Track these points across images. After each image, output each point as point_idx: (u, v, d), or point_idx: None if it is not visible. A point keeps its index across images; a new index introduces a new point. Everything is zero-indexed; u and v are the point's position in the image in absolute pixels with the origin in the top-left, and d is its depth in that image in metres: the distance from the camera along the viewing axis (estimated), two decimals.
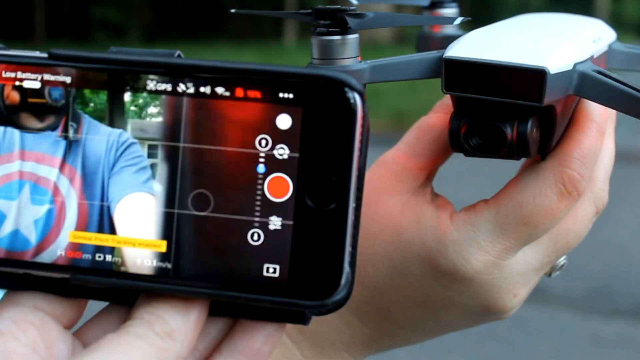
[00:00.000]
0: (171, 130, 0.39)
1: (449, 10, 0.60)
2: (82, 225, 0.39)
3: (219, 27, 12.96)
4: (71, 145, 0.39)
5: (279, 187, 0.38)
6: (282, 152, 0.38)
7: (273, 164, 0.38)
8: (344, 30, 0.48)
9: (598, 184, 0.54)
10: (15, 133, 0.40)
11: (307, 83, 0.37)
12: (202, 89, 0.38)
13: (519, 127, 0.48)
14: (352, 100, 0.37)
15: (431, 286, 0.53)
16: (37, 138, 0.40)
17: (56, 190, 0.39)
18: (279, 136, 0.38)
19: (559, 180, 0.50)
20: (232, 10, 0.55)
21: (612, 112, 0.55)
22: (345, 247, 0.37)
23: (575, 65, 0.48)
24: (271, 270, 0.38)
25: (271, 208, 0.38)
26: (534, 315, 3.04)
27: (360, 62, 0.49)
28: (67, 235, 0.39)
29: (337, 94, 0.37)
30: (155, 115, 0.39)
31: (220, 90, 0.38)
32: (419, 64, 0.49)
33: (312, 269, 0.38)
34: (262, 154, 0.38)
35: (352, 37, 0.48)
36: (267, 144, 0.38)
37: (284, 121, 0.38)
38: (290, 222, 0.38)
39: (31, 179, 0.40)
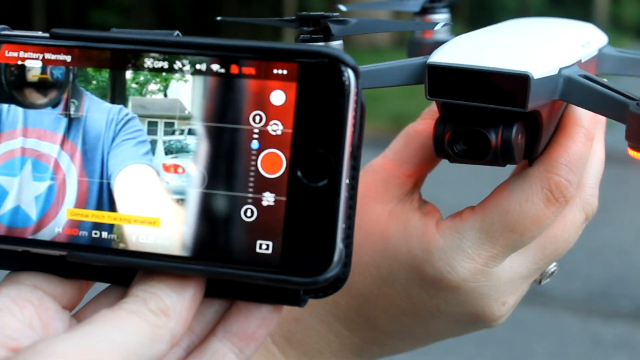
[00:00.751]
0: (168, 106, 0.39)
1: (440, 16, 0.60)
2: (81, 202, 0.40)
3: (219, 32, 12.96)
4: (72, 122, 0.40)
5: (272, 163, 0.38)
6: (276, 127, 0.38)
7: (267, 139, 0.38)
8: (327, 36, 0.47)
9: (587, 190, 0.53)
10: (18, 110, 0.40)
11: (301, 59, 0.38)
12: (198, 67, 0.39)
13: (503, 133, 0.47)
14: (345, 76, 0.37)
15: (418, 294, 0.52)
16: (40, 115, 0.40)
17: (57, 166, 0.40)
18: (273, 112, 0.38)
19: (545, 187, 0.50)
20: (218, 18, 0.54)
21: (601, 118, 0.54)
22: (338, 224, 0.37)
23: (560, 69, 0.47)
24: (264, 246, 0.38)
25: (264, 184, 0.38)
26: (534, 318, 3.04)
27: None
28: (65, 213, 0.40)
29: (331, 69, 0.37)
30: (153, 92, 0.39)
31: (215, 67, 0.38)
32: (404, 70, 0.49)
33: (305, 246, 0.37)
34: (256, 130, 0.38)
35: (336, 44, 0.48)
36: (260, 120, 0.38)
37: (277, 97, 0.38)
38: (284, 198, 0.38)
39: (33, 155, 0.40)
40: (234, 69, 0.38)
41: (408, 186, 0.53)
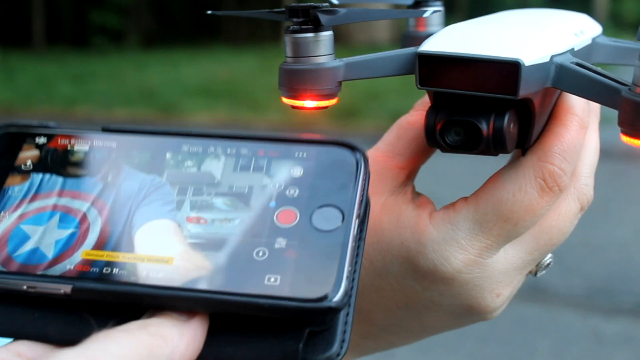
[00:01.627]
0: (199, 176, 0.44)
1: (434, 9, 0.59)
2: (99, 245, 0.42)
3: (218, 31, 12.95)
4: (107, 186, 0.44)
5: (287, 217, 0.42)
6: (293, 192, 0.43)
7: (284, 200, 0.43)
8: (317, 27, 0.47)
9: (582, 180, 0.53)
10: (59, 179, 0.45)
11: (319, 146, 0.44)
12: (229, 151, 0.45)
13: (495, 121, 0.47)
14: (356, 160, 0.43)
15: (411, 287, 0.52)
16: (78, 181, 0.45)
17: (84, 218, 0.43)
18: (292, 181, 0.43)
19: (539, 176, 0.49)
20: (209, 12, 0.54)
21: (595, 107, 0.54)
22: (345, 263, 0.40)
23: (552, 57, 0.47)
24: (272, 279, 0.40)
25: (278, 232, 0.42)
26: (534, 314, 3.03)
27: (335, 59, 0.48)
28: (81, 253, 0.42)
29: (345, 154, 0.43)
30: (187, 167, 0.45)
31: (244, 151, 0.44)
32: (394, 61, 0.49)
33: (311, 279, 0.40)
34: (275, 193, 0.43)
35: (326, 35, 0.47)
36: (280, 187, 0.43)
37: (297, 171, 0.43)
38: (296, 242, 0.41)
39: (62, 210, 0.44)
40: (261, 152, 0.44)
41: (401, 178, 0.53)
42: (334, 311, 0.39)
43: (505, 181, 0.50)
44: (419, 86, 0.47)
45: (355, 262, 0.42)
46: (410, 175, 0.54)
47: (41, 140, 0.46)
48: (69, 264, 0.42)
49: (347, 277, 0.40)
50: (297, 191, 0.43)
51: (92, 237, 0.43)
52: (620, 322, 3.03)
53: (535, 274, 0.55)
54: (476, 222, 0.50)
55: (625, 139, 0.44)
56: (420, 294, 0.52)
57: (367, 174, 0.43)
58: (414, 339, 0.56)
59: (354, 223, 0.41)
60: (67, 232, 0.43)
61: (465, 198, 0.51)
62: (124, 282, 0.41)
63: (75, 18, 12.53)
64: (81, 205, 0.44)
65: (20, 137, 0.47)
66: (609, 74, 0.46)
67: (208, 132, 0.45)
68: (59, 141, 0.46)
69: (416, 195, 0.53)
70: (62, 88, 8.11)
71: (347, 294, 0.39)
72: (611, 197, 4.10)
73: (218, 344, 0.40)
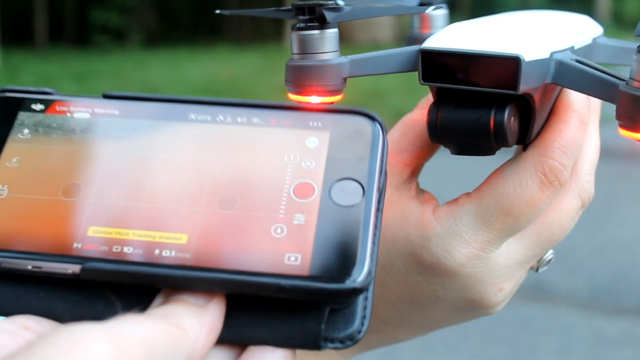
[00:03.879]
0: (207, 148, 0.42)
1: (438, 11, 0.60)
2: (107, 221, 0.40)
3: (220, 30, 12.97)
4: (111, 157, 0.42)
5: (304, 191, 0.41)
6: (309, 164, 0.41)
7: (300, 172, 0.41)
8: (323, 24, 0.48)
9: (583, 177, 0.53)
10: (60, 148, 0.43)
11: (335, 115, 0.42)
12: (239, 119, 0.43)
13: (496, 116, 0.47)
14: (373, 130, 0.42)
15: (415, 281, 0.52)
16: (80, 151, 0.43)
17: (88, 191, 0.41)
18: (307, 152, 0.42)
19: (539, 170, 0.50)
20: (217, 11, 0.55)
21: (596, 106, 0.55)
22: (368, 241, 0.39)
23: (552, 53, 0.48)
24: (292, 258, 0.39)
25: (296, 207, 0.40)
26: (538, 314, 3.03)
27: (340, 56, 0.49)
28: (88, 230, 0.40)
29: (362, 123, 0.42)
30: (194, 140, 0.42)
31: (255, 120, 0.43)
32: (398, 58, 0.49)
33: (333, 258, 0.38)
34: (290, 165, 0.41)
35: (331, 32, 0.48)
36: (295, 158, 0.41)
37: (312, 142, 0.42)
38: (315, 218, 0.40)
39: (66, 182, 0.41)
40: (273, 122, 0.43)
41: (405, 174, 0.54)
42: (358, 291, 0.38)
43: (506, 176, 0.51)
44: (421, 82, 0.48)
45: (375, 236, 0.40)
46: (414, 171, 0.54)
47: (39, 106, 0.44)
48: (77, 242, 0.40)
49: (370, 255, 0.39)
50: (314, 163, 0.41)
51: (98, 213, 0.40)
52: (623, 322, 3.03)
53: (537, 269, 0.55)
54: (478, 217, 0.50)
55: (623, 132, 0.45)
56: (424, 288, 0.52)
57: (385, 143, 0.42)
58: (417, 333, 0.57)
59: (375, 197, 0.40)
60: (71, 207, 0.41)
61: (468, 193, 0.52)
62: (135, 262, 0.39)
63: (78, 17, 12.54)
64: (84, 177, 0.42)
65: (17, 102, 0.44)
66: (607, 70, 0.47)
67: (216, 100, 0.44)
68: (57, 108, 0.44)
69: (420, 191, 0.54)
70: (65, 87, 8.12)
71: (370, 273, 0.38)
72: (614, 197, 4.09)
73: (236, 325, 0.39)
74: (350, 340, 0.39)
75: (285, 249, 0.39)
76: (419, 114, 0.54)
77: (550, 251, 0.55)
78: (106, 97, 0.44)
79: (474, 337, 2.89)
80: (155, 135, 0.43)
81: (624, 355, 2.82)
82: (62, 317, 0.39)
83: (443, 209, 0.52)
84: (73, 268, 0.39)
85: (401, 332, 0.56)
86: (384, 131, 0.42)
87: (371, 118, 0.42)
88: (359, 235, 0.39)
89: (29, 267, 0.39)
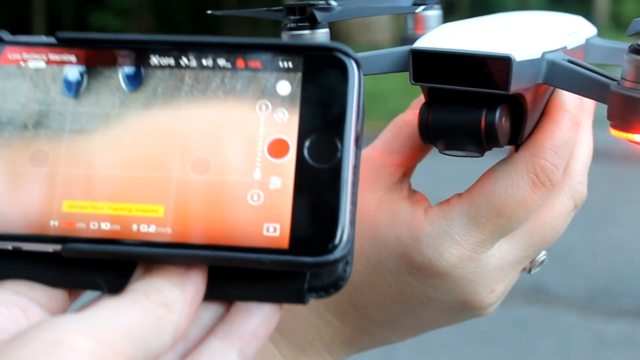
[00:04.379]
0: (173, 98, 0.39)
1: (432, 12, 0.60)
2: (80, 194, 0.39)
3: (219, 31, 12.97)
4: (75, 115, 0.39)
5: (278, 149, 0.38)
6: (282, 115, 0.38)
7: (273, 127, 0.38)
8: (314, 24, 0.48)
9: (575, 178, 0.53)
10: (16, 106, 0.40)
11: (306, 53, 0.39)
12: (204, 62, 0.39)
13: (487, 116, 0.47)
14: (349, 67, 0.39)
15: (407, 282, 0.52)
16: (39, 110, 0.40)
17: (55, 160, 0.39)
18: (279, 101, 0.39)
19: (531, 171, 0.50)
20: (208, 12, 0.55)
21: (589, 107, 0.55)
22: (347, 204, 0.37)
23: (544, 54, 0.48)
24: (271, 229, 0.38)
25: (271, 168, 0.38)
26: (536, 316, 3.03)
27: None
28: (62, 205, 0.39)
29: (335, 61, 0.39)
30: (156, 88, 0.39)
31: (222, 62, 0.39)
32: (389, 58, 0.49)
33: (313, 227, 0.37)
34: (262, 118, 0.38)
35: (322, 32, 0.48)
36: (267, 109, 0.39)
37: (283, 87, 0.39)
38: (291, 181, 0.38)
39: (29, 151, 0.39)
40: (240, 64, 0.39)
41: (397, 175, 0.54)
42: (339, 261, 0.37)
43: (498, 176, 0.51)
44: (412, 82, 0.48)
45: (354, 195, 0.38)
46: (406, 172, 0.54)
47: None
48: (52, 219, 0.38)
49: (350, 220, 0.37)
50: (287, 115, 0.39)
51: (70, 185, 0.39)
52: (621, 324, 3.03)
53: (530, 270, 0.55)
54: (470, 217, 0.50)
55: (614, 132, 0.45)
56: (416, 290, 0.52)
57: (361, 84, 0.39)
58: (409, 335, 0.56)
59: (352, 153, 0.38)
60: (42, 179, 0.39)
61: (460, 194, 0.52)
62: (116, 240, 0.38)
63: (76, 19, 12.55)
64: (50, 144, 0.39)
65: None
66: (599, 70, 0.47)
67: (178, 40, 0.40)
68: (9, 55, 0.40)
69: (412, 192, 0.54)
70: None
71: (350, 239, 0.37)
72: (612, 199, 4.09)
73: (220, 285, 0.39)
74: (334, 289, 0.39)
75: (263, 218, 0.38)
76: (410, 115, 0.54)
77: (543, 252, 0.55)
78: (60, 40, 0.40)
79: (473, 339, 2.89)
80: (116, 89, 0.40)
81: (622, 356, 2.82)
82: (50, 283, 0.39)
83: (434, 210, 0.51)
84: (54, 247, 0.38)
85: (393, 333, 0.56)
86: (360, 69, 0.39)
87: (345, 54, 0.39)
88: (338, 199, 0.37)
89: (10, 248, 0.39)
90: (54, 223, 0.38)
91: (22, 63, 0.40)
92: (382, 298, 0.53)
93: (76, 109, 0.40)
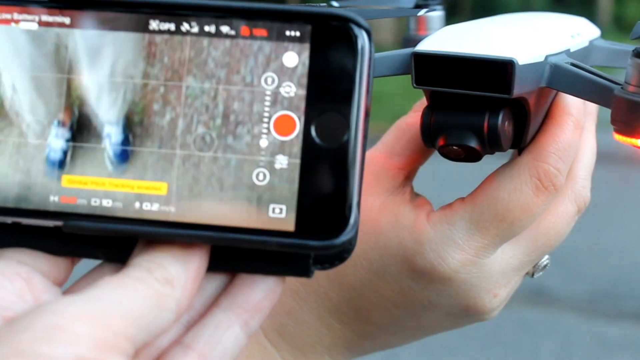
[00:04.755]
0: (174, 70, 0.37)
1: (434, 13, 0.60)
2: (78, 169, 0.38)
3: None
4: (71, 84, 0.38)
5: (285, 125, 0.37)
6: (289, 89, 0.37)
7: (279, 102, 0.37)
8: None
9: (579, 182, 0.53)
10: (7, 74, 0.38)
11: (314, 21, 0.37)
12: (206, 28, 0.37)
13: (490, 120, 0.47)
14: (359, 37, 0.37)
15: (409, 286, 0.52)
16: (33, 77, 0.38)
17: (50, 132, 0.38)
18: (285, 74, 0.37)
19: (534, 175, 0.50)
20: None
21: (592, 110, 0.54)
22: (355, 186, 0.36)
23: (547, 57, 0.47)
24: (277, 210, 0.37)
25: (277, 147, 0.37)
26: (538, 318, 3.03)
27: None
28: (61, 180, 0.38)
29: (344, 31, 0.37)
30: (158, 55, 0.38)
31: (225, 29, 0.37)
32: (391, 61, 0.49)
33: (319, 209, 0.36)
34: (268, 92, 0.37)
35: None
36: (273, 82, 0.37)
37: (290, 59, 0.37)
38: (297, 161, 0.37)
39: (23, 123, 0.38)
40: (245, 31, 0.37)
41: (400, 179, 0.53)
42: (346, 244, 0.36)
43: (501, 181, 0.50)
44: (414, 85, 0.48)
45: (361, 176, 0.37)
46: (408, 175, 0.54)
47: None
48: (52, 195, 0.37)
49: (357, 202, 0.36)
50: (294, 89, 0.37)
51: (68, 158, 0.38)
52: (623, 327, 3.03)
53: (532, 275, 0.55)
54: (473, 222, 0.50)
55: (618, 137, 0.44)
56: (418, 294, 0.52)
57: (372, 57, 0.37)
58: (411, 339, 0.56)
59: (361, 133, 0.36)
60: (39, 152, 0.38)
61: (462, 198, 0.51)
62: (118, 217, 0.37)
63: None
64: (45, 116, 0.38)
65: None
66: (603, 73, 0.46)
67: (179, 3, 0.38)
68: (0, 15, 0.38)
69: (415, 195, 0.53)
70: None
71: (357, 222, 0.36)
72: (615, 202, 4.09)
73: (223, 259, 0.38)
74: (338, 261, 0.38)
75: (269, 199, 0.37)
76: (413, 117, 0.54)
77: (546, 256, 0.54)
78: (53, 0, 0.38)
79: (475, 341, 2.89)
80: (115, 56, 0.38)
81: (624, 359, 2.82)
82: (54, 252, 0.38)
83: (437, 214, 0.51)
84: (55, 223, 0.38)
85: (394, 337, 0.56)
86: (371, 40, 0.37)
87: (357, 24, 0.37)
88: (346, 180, 0.36)
89: (9, 222, 0.38)
90: (54, 198, 0.38)
91: (13, 24, 0.38)
92: (383, 302, 0.53)
93: (70, 78, 0.38)
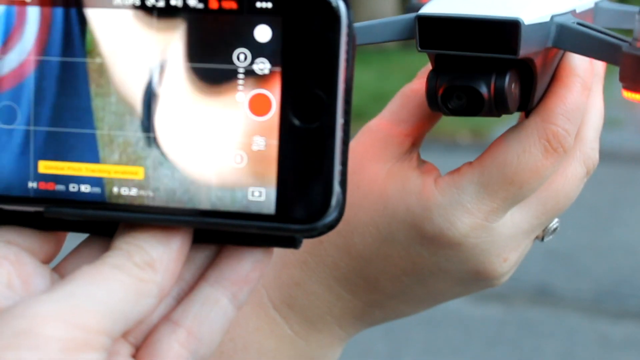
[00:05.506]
0: (141, 49, 0.36)
1: None
2: (55, 154, 0.37)
3: None
4: (44, 64, 0.37)
5: (261, 105, 0.35)
6: (263, 67, 0.35)
7: (253, 80, 0.35)
8: None
9: (587, 144, 0.53)
10: None
11: None
12: (173, 2, 0.35)
13: (496, 82, 0.47)
14: (336, 7, 0.35)
15: (418, 253, 0.52)
16: (7, 54, 0.37)
17: (27, 117, 0.37)
18: (258, 50, 0.35)
19: (542, 137, 0.49)
20: None
21: (599, 70, 0.54)
22: (335, 166, 0.35)
23: (553, 17, 0.47)
24: (257, 194, 0.36)
25: (254, 127, 0.35)
26: (542, 318, 3.03)
27: None
28: (38, 166, 0.37)
29: (321, 1, 0.35)
30: (123, 33, 0.36)
31: (192, 2, 0.35)
32: (395, 25, 0.49)
33: (300, 191, 0.35)
34: (241, 70, 0.35)
35: None
36: (245, 59, 0.35)
37: (263, 33, 0.35)
38: (275, 142, 0.35)
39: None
40: (213, 4, 0.35)
41: (406, 145, 0.53)
42: (329, 227, 0.36)
43: (509, 144, 0.50)
44: (419, 49, 0.48)
45: (344, 155, 0.36)
46: (415, 142, 0.54)
47: None
48: (30, 181, 0.37)
49: (341, 183, 0.35)
50: (268, 66, 0.35)
51: (43, 143, 0.37)
52: (627, 326, 3.03)
53: (542, 238, 0.55)
54: (481, 185, 0.50)
55: (626, 94, 0.44)
56: (427, 261, 0.52)
57: (351, 27, 0.35)
58: (422, 307, 0.56)
59: (342, 110, 0.35)
60: (14, 137, 0.37)
61: (470, 162, 0.51)
62: (97, 203, 0.37)
63: None
64: (17, 97, 0.37)
65: None
66: (610, 32, 0.46)
67: None
68: None
69: (422, 162, 0.53)
70: None
71: (340, 202, 0.35)
72: (619, 201, 4.08)
73: (208, 233, 0.38)
74: (327, 229, 0.37)
75: (248, 182, 0.36)
76: (418, 84, 0.53)
77: (556, 220, 0.54)
78: None
79: (479, 340, 2.89)
80: (81, 34, 0.36)
81: (628, 358, 2.82)
82: (41, 227, 0.38)
83: (445, 179, 0.51)
84: (35, 208, 0.37)
85: (405, 305, 0.55)
86: (350, 10, 0.35)
87: None
88: (327, 160, 0.35)
89: None
90: (32, 185, 0.37)
91: None
92: (392, 270, 0.53)
93: (43, 58, 0.37)
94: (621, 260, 3.54)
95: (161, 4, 0.36)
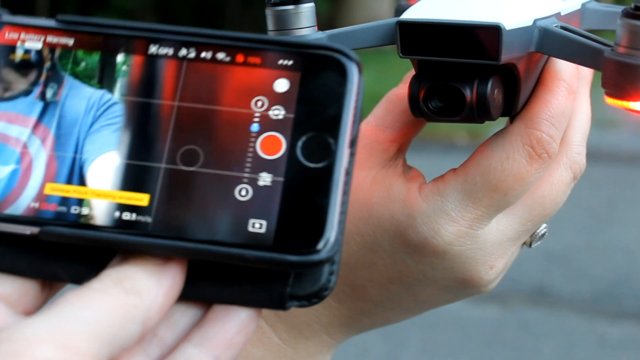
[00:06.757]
0: (167, 90, 0.39)
1: None
2: (62, 178, 0.38)
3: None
4: (48, 106, 0.39)
5: (271, 145, 0.38)
6: (278, 112, 0.38)
7: (267, 123, 0.38)
8: (298, 0, 0.47)
9: (574, 148, 0.52)
10: None
11: (306, 52, 0.39)
12: (203, 55, 0.39)
13: (478, 87, 0.47)
14: (348, 68, 0.38)
15: (403, 261, 0.51)
16: (14, 99, 0.39)
17: (25, 150, 0.39)
18: (276, 98, 0.38)
19: (526, 143, 0.49)
20: None
21: (586, 74, 0.53)
22: (336, 205, 0.37)
23: (535, 21, 0.47)
24: (257, 225, 0.37)
25: (262, 165, 0.38)
26: (540, 319, 3.03)
27: (317, 31, 0.48)
28: (44, 187, 0.38)
29: (335, 62, 0.38)
30: (150, 76, 0.39)
31: (221, 55, 0.39)
32: (376, 31, 0.49)
33: (300, 226, 0.37)
34: (257, 114, 0.38)
35: (307, 6, 0.48)
36: (262, 105, 0.38)
37: (281, 85, 0.39)
38: (281, 179, 0.38)
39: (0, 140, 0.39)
40: (240, 58, 0.39)
41: (391, 152, 0.53)
42: (325, 262, 0.37)
43: (493, 150, 0.49)
44: (400, 55, 0.47)
45: (345, 197, 0.38)
46: (400, 148, 0.53)
47: None
48: (34, 201, 0.38)
49: (340, 222, 0.37)
50: (283, 112, 0.38)
51: (54, 168, 0.38)
52: (625, 327, 3.03)
53: (530, 244, 0.54)
54: (465, 193, 0.49)
55: (609, 100, 0.44)
56: (412, 269, 0.51)
57: (360, 87, 0.38)
58: (409, 314, 0.55)
59: (346, 156, 0.38)
60: (26, 161, 0.38)
61: (454, 169, 0.51)
62: (95, 225, 0.37)
63: None
64: (20, 133, 0.39)
65: None
66: (593, 36, 0.46)
67: (177, 29, 0.40)
68: (7, 35, 0.40)
69: (407, 168, 0.53)
70: None
71: (337, 242, 0.37)
72: (616, 201, 4.08)
73: (199, 284, 0.38)
74: (316, 298, 0.38)
75: (250, 214, 0.37)
76: (403, 89, 0.53)
77: (544, 225, 0.53)
78: (60, 21, 0.40)
79: (476, 341, 2.89)
80: (111, 75, 0.39)
81: (626, 359, 2.82)
82: (25, 272, 0.38)
83: (429, 187, 0.50)
84: (31, 229, 0.38)
85: (392, 313, 0.55)
86: (361, 72, 0.38)
87: (346, 56, 0.38)
88: (327, 200, 0.37)
89: None
90: (34, 205, 0.38)
91: (19, 43, 0.40)
92: (379, 278, 0.52)
93: (67, 93, 0.39)
94: (618, 261, 3.54)
95: (192, 55, 0.39)
